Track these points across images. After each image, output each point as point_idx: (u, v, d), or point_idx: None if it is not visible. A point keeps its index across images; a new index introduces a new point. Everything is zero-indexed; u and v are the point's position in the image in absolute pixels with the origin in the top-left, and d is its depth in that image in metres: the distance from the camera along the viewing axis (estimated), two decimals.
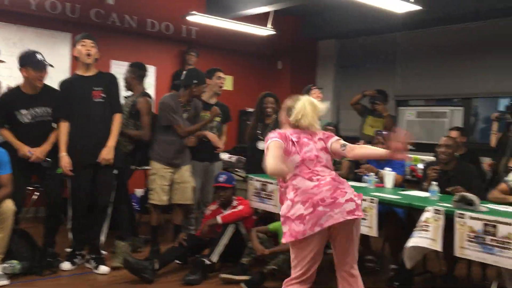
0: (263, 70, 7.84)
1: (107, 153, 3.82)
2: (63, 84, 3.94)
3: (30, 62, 3.77)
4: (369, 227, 3.49)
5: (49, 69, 3.88)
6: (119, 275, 3.77)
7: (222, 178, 4.20)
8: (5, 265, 3.54)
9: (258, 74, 7.74)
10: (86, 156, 3.82)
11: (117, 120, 3.93)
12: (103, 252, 4.04)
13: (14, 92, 3.91)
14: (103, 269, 3.87)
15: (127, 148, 4.44)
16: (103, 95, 3.86)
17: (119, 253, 4.00)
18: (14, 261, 3.60)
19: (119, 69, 4.58)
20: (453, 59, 6.50)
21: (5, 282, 3.46)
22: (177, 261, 4.06)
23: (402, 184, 4.31)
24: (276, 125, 4.75)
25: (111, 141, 3.86)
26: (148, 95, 4.62)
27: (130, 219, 4.62)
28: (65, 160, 3.78)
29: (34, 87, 3.84)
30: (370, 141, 4.60)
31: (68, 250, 3.99)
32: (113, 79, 4.02)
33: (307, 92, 5.09)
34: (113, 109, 3.93)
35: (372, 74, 7.22)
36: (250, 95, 6.33)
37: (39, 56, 3.81)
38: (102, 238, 4.03)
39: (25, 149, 3.75)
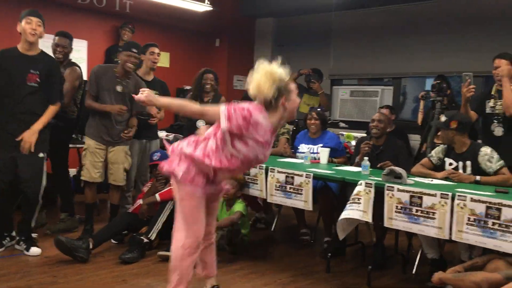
0: (201, 48, 7.76)
1: (29, 136, 3.58)
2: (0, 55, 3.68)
3: None
4: (305, 201, 3.61)
5: None
6: (52, 255, 3.65)
7: (157, 155, 4.17)
8: None
9: (196, 51, 7.65)
10: (8, 142, 3.59)
11: (50, 111, 3.69)
12: (34, 234, 3.90)
13: None
14: (35, 250, 3.73)
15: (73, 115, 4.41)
16: (38, 80, 3.63)
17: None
18: None
19: (47, 42, 4.36)
20: (384, 40, 6.74)
21: None
22: (113, 240, 4.01)
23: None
24: (215, 102, 4.75)
25: (37, 125, 3.61)
26: (75, 64, 4.42)
27: (68, 196, 4.51)
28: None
29: None
30: (305, 118, 4.70)
31: None
32: (54, 66, 3.79)
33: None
34: (49, 99, 3.68)
35: (308, 53, 7.34)
36: (187, 72, 6.27)
37: None
38: (33, 222, 3.86)
39: None
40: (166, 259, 3.67)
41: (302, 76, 6.19)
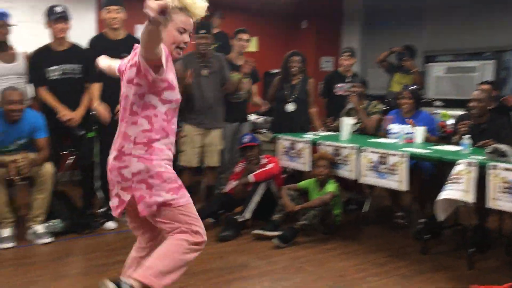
0: (288, 30, 7.75)
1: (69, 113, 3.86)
2: (93, 43, 3.99)
3: (51, 15, 3.82)
4: (400, 181, 3.52)
5: (73, 22, 3.94)
6: None
7: (247, 138, 4.27)
8: (48, 224, 3.72)
9: (283, 34, 7.65)
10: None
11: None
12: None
13: (44, 49, 3.95)
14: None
15: None
16: None
17: None
18: (56, 220, 3.77)
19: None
20: (482, 11, 6.28)
21: (49, 239, 3.64)
22: (209, 219, 4.19)
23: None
24: (303, 84, 4.76)
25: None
26: None
27: None
28: (101, 108, 3.86)
29: (61, 42, 3.89)
30: (397, 97, 4.55)
31: (101, 210, 4.12)
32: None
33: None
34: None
35: (399, 31, 7.04)
36: (275, 55, 6.29)
37: (58, 9, 3.83)
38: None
39: (64, 112, 3.84)
40: (260, 237, 3.79)
41: (393, 55, 5.98)
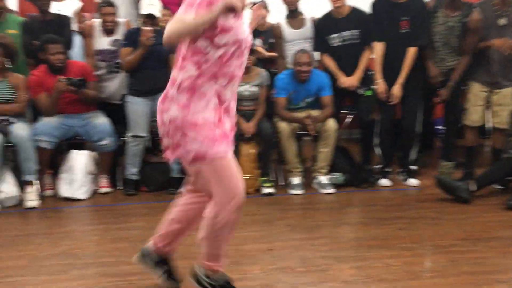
0: None
1: (397, 90, 3.92)
2: (375, 6, 4.03)
3: None
4: None
5: None
6: (433, 193, 3.78)
7: None
8: (330, 176, 4.03)
9: None
10: None
11: (411, 54, 3.91)
12: (413, 167, 4.16)
13: (326, 17, 4.18)
14: (412, 181, 4.05)
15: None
16: (410, 25, 3.85)
17: (442, 173, 4.05)
18: (338, 173, 4.05)
19: None
20: None
21: (331, 190, 3.95)
22: (495, 186, 3.81)
23: None
24: None
25: (401, 79, 3.91)
26: None
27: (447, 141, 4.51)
28: (380, 87, 3.95)
29: (340, 9, 4.02)
30: None
31: (378, 166, 4.23)
32: (422, 7, 3.93)
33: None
34: (411, 40, 3.90)
35: None
36: None
37: None
38: (412, 155, 4.15)
39: (342, 79, 4.05)
40: None
41: None
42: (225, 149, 1.98)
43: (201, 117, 1.95)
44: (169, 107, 1.98)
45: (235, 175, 2.00)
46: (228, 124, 2.04)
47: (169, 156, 2.06)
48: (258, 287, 2.37)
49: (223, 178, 1.97)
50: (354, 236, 3.12)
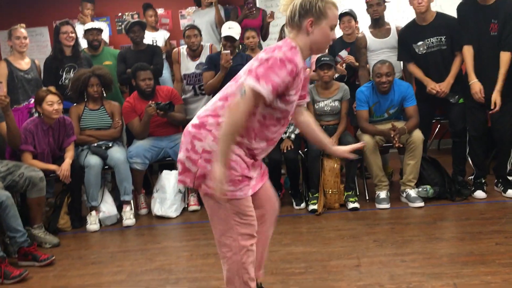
0: None
1: (497, 97, 3.66)
2: (461, 9, 3.86)
3: None
4: None
5: None
6: None
7: None
8: (419, 189, 3.87)
9: None
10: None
11: (506, 59, 3.63)
12: (510, 177, 3.88)
13: (410, 25, 4.05)
14: (511, 193, 3.77)
15: None
16: (500, 28, 3.63)
17: None
18: (427, 186, 3.88)
19: None
20: None
21: (420, 204, 3.78)
22: None
23: None
24: None
25: (499, 85, 3.64)
26: None
27: None
28: (475, 87, 3.73)
29: (425, 15, 3.86)
30: None
31: (470, 178, 4.00)
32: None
33: None
34: (505, 44, 3.64)
35: None
36: None
37: None
38: (510, 165, 3.88)
39: (431, 85, 3.88)
40: None
41: None
42: (247, 190, 2.00)
43: (234, 158, 1.95)
44: (206, 136, 1.97)
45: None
46: (254, 172, 2.06)
47: (187, 182, 2.04)
48: None
49: (243, 219, 2.00)
50: (448, 251, 2.95)
